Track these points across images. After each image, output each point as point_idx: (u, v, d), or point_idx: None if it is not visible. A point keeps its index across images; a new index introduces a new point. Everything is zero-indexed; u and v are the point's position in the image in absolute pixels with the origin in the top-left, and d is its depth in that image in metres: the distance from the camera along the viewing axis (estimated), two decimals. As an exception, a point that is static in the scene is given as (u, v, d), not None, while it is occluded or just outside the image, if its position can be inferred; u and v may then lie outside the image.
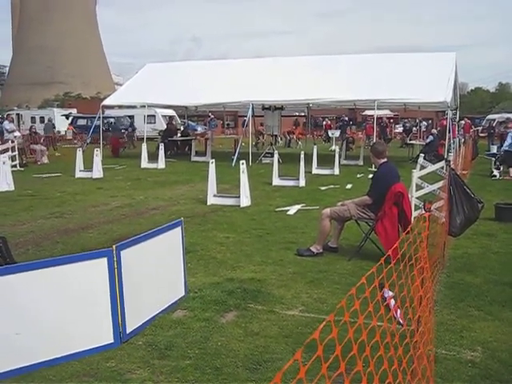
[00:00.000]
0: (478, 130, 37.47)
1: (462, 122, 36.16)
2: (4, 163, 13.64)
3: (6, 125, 22.56)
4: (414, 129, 36.45)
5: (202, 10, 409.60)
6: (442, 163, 8.81)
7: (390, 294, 4.39)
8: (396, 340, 2.44)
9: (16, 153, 18.78)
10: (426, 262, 3.27)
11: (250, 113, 21.17)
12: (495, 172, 16.47)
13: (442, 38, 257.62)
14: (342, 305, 1.89)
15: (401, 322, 4.04)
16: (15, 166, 18.18)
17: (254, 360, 3.91)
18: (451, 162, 7.20)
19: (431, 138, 21.94)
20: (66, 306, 3.94)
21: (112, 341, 4.14)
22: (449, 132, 20.09)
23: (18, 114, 44.80)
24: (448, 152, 18.69)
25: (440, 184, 7.97)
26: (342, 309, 1.90)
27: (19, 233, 8.21)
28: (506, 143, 16.72)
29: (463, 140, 21.54)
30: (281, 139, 32.65)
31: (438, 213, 7.30)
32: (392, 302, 4.35)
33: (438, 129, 27.82)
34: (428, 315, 3.29)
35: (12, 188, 13.32)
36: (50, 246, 7.36)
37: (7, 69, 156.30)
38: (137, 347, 4.15)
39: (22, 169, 18.55)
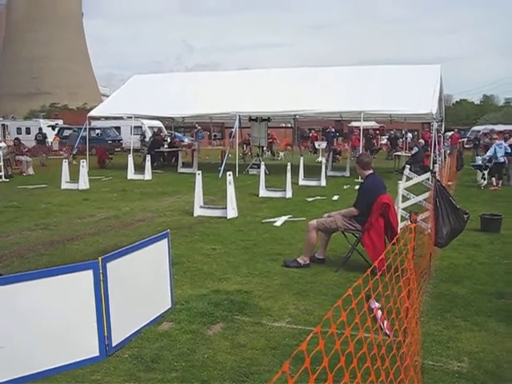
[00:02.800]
0: (463, 142, 37.85)
1: (449, 133, 36.54)
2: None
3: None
4: (400, 140, 36.70)
5: (192, 22, 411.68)
6: (428, 174, 8.88)
7: (377, 305, 4.40)
8: (383, 351, 2.44)
9: (1, 164, 18.63)
10: (413, 272, 3.29)
11: (236, 124, 21.19)
12: (481, 180, 16.65)
13: (426, 51, 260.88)
14: (328, 316, 1.89)
15: (387, 332, 4.05)
16: (0, 177, 18.05)
17: (241, 372, 3.89)
18: (437, 174, 7.26)
19: (416, 149, 22.08)
20: (50, 318, 3.90)
21: (98, 354, 4.10)
22: (437, 144, 20.22)
23: (3, 125, 44.46)
24: (434, 163, 18.84)
25: (426, 195, 8.03)
26: (328, 320, 1.90)
27: (4, 245, 8.13)
28: (489, 153, 16.94)
29: (449, 151, 21.74)
30: (268, 150, 32.69)
31: (424, 224, 7.34)
32: (379, 313, 4.36)
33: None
34: (415, 326, 3.30)
35: (-3, 199, 13.19)
36: (35, 258, 7.29)
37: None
38: (123, 360, 4.11)
39: (7, 180, 18.40)
